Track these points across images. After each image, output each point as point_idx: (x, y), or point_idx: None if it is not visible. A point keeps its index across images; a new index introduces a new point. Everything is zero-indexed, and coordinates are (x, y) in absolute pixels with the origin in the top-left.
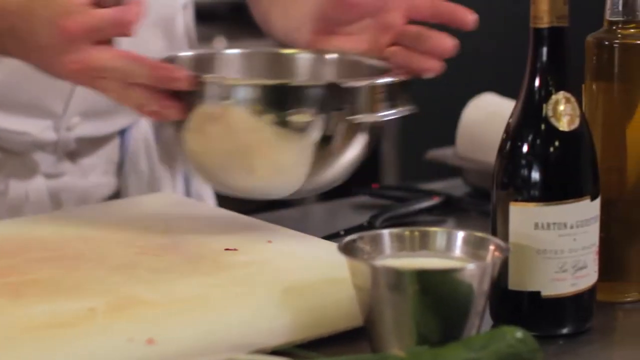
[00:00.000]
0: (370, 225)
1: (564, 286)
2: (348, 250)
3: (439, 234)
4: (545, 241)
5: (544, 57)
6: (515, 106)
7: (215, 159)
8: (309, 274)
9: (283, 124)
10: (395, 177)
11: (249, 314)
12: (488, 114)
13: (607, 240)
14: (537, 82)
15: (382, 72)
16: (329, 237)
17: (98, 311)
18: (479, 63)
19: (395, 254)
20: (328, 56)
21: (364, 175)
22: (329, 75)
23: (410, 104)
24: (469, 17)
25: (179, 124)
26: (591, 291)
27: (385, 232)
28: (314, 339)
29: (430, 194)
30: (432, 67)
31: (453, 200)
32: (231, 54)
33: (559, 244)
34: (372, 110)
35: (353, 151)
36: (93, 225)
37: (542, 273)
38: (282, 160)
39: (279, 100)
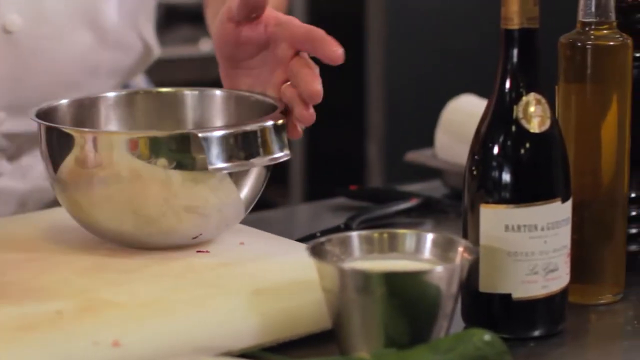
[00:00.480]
0: (347, 227)
1: (535, 288)
2: (316, 252)
3: (408, 236)
4: (516, 243)
5: (515, 59)
6: (487, 108)
7: (92, 208)
8: (279, 276)
9: (156, 170)
10: (380, 178)
11: (216, 316)
12: (466, 115)
13: (580, 242)
14: (507, 84)
15: (269, 109)
16: (305, 239)
17: (65, 313)
18: (467, 63)
19: (364, 256)
20: (213, 92)
21: (349, 177)
22: (215, 113)
23: (287, 149)
24: (336, 52)
25: (54, 179)
26: (563, 293)
27: (354, 235)
28: (283, 342)
29: (408, 195)
30: (303, 118)
31: (431, 202)
32: (113, 96)
33: (530, 246)
34: (230, 158)
35: (231, 194)
36: (63, 227)
37: (512, 275)
38: (160, 206)
39: (150, 148)
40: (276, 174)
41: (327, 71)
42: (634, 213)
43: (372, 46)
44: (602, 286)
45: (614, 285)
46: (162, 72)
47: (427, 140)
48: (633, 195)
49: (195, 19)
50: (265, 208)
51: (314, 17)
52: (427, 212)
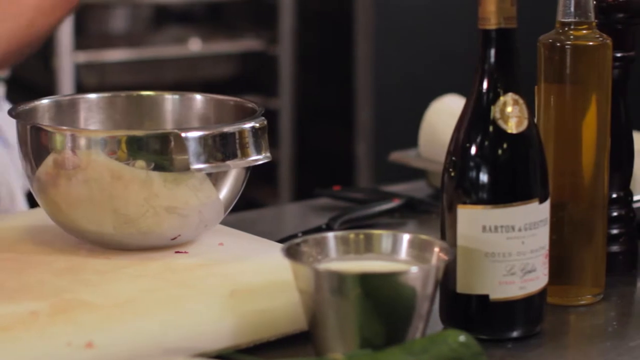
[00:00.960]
0: (328, 228)
1: (512, 289)
2: (292, 253)
3: (384, 237)
4: (493, 244)
5: (492, 59)
6: (464, 108)
7: (70, 208)
8: (257, 277)
9: (133, 169)
10: (369, 177)
11: (192, 317)
12: (449, 116)
13: (559, 243)
14: (485, 84)
15: (249, 113)
16: (286, 240)
17: (40, 314)
18: (456, 62)
19: (341, 257)
20: (193, 96)
21: (338, 176)
22: (195, 116)
23: (267, 152)
24: None
25: (33, 180)
26: (541, 294)
27: (330, 235)
28: (260, 343)
29: (391, 196)
30: None
31: (414, 202)
32: (93, 98)
33: (507, 247)
34: (213, 157)
35: (210, 195)
36: (42, 228)
37: (490, 276)
38: (140, 208)
39: (131, 148)
40: (265, 174)
41: (316, 70)
42: (615, 214)
43: (360, 45)
44: (582, 287)
45: (593, 286)
46: (151, 71)
47: (417, 139)
48: (614, 195)
49: (184, 19)
50: (254, 208)
51: (302, 16)
52: (410, 212)
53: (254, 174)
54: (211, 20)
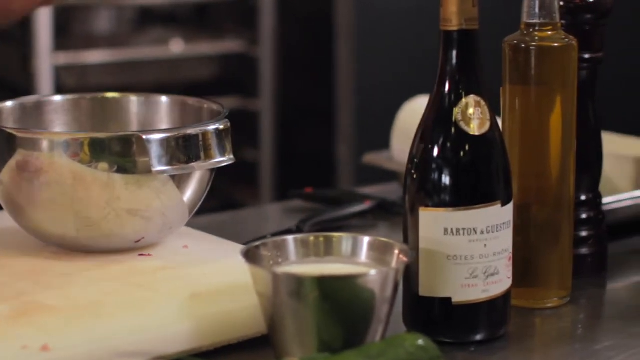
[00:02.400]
0: (298, 230)
1: (475, 292)
2: (251, 257)
3: (344, 239)
4: (455, 247)
5: (454, 61)
6: (426, 110)
7: (35, 209)
8: (219, 279)
9: (98, 171)
10: (350, 179)
11: (151, 320)
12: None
13: (525, 245)
14: (446, 86)
15: (214, 115)
16: (252, 242)
17: None
18: (437, 63)
19: (301, 260)
20: (159, 98)
21: (319, 177)
22: (160, 118)
23: (231, 154)
24: None
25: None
26: (505, 297)
27: (290, 239)
28: (221, 346)
29: (363, 198)
30: None
31: (386, 204)
32: (58, 100)
33: (469, 249)
34: (175, 160)
35: (174, 198)
36: (5, 230)
37: (452, 279)
38: (101, 210)
39: (95, 150)
40: (246, 175)
41: (297, 72)
42: (584, 216)
43: (341, 46)
44: (548, 289)
45: (560, 288)
46: (132, 73)
47: None
48: (583, 197)
49: (166, 20)
50: (235, 209)
51: (284, 18)
52: (382, 214)
53: (235, 174)
54: (195, 21)
